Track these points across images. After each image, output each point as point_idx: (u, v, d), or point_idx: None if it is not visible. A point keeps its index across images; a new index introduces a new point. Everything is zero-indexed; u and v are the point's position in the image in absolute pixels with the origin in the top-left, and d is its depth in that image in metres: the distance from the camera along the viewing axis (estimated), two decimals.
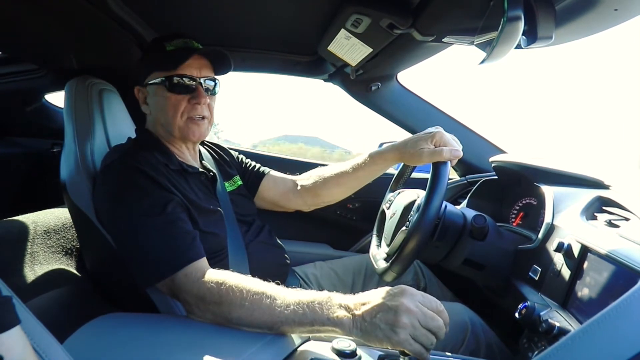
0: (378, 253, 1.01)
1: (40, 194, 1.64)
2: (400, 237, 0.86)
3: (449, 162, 0.86)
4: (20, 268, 1.01)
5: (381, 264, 0.93)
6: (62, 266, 1.11)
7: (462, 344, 0.89)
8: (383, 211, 1.10)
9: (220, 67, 0.98)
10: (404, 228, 0.87)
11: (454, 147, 0.88)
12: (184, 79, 0.91)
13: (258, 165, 1.22)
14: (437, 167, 0.84)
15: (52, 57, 1.26)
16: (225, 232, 0.95)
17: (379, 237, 1.09)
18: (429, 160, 0.89)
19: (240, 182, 1.14)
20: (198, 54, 0.92)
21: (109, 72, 1.16)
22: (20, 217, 1.14)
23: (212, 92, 0.97)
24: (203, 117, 0.95)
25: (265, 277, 0.73)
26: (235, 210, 1.03)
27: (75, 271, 1.13)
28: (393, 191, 1.13)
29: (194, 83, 0.92)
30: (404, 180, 1.13)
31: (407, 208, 0.99)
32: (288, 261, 1.11)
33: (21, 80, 1.47)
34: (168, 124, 0.94)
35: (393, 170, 1.31)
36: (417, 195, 1.00)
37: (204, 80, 0.93)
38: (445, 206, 0.97)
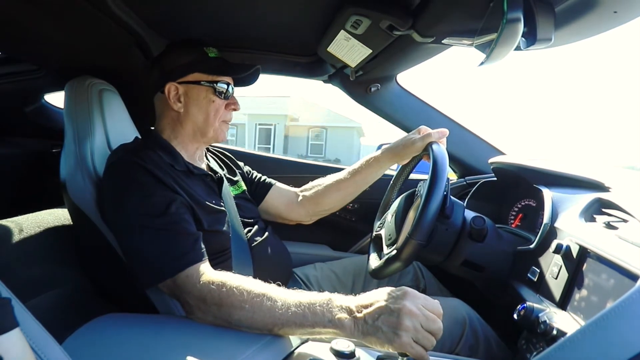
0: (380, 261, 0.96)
1: (39, 194, 1.64)
2: (412, 214, 0.86)
3: (441, 145, 0.92)
4: (19, 268, 1.01)
5: (392, 251, 0.87)
6: (61, 266, 1.11)
7: (460, 339, 0.89)
8: (378, 236, 1.05)
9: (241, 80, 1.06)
10: (408, 218, 0.86)
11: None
12: (229, 86, 1.00)
13: (264, 177, 1.26)
14: (433, 149, 0.89)
15: (51, 57, 1.26)
16: (229, 231, 0.95)
17: (378, 251, 1.03)
18: (422, 144, 0.97)
19: (244, 187, 1.16)
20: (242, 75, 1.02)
21: (109, 72, 1.16)
22: (20, 218, 1.14)
23: None
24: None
25: (268, 278, 0.73)
26: (240, 213, 1.04)
27: (74, 271, 1.12)
28: (382, 215, 1.11)
29: (232, 91, 1.01)
30: (402, 181, 1.12)
31: (409, 196, 0.99)
32: (291, 263, 1.12)
33: (20, 80, 1.46)
34: (206, 124, 0.98)
35: (392, 172, 1.31)
36: (416, 189, 1.01)
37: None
38: (448, 184, 0.95)
